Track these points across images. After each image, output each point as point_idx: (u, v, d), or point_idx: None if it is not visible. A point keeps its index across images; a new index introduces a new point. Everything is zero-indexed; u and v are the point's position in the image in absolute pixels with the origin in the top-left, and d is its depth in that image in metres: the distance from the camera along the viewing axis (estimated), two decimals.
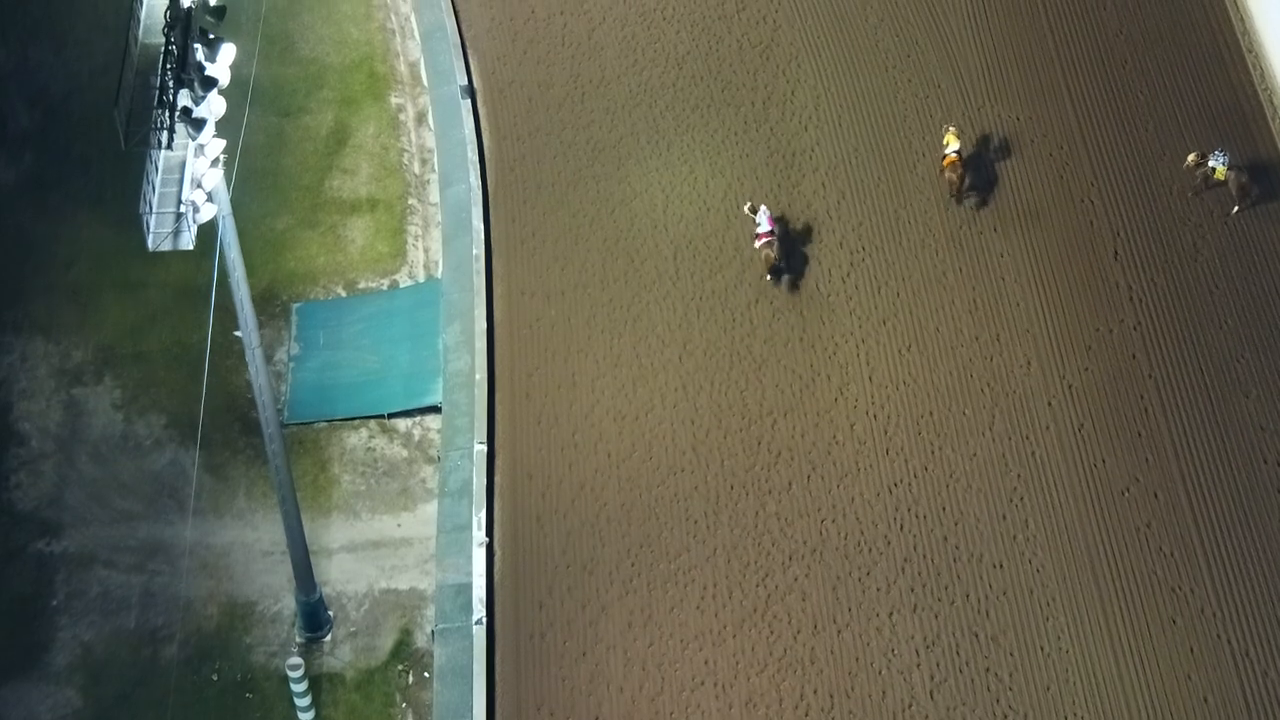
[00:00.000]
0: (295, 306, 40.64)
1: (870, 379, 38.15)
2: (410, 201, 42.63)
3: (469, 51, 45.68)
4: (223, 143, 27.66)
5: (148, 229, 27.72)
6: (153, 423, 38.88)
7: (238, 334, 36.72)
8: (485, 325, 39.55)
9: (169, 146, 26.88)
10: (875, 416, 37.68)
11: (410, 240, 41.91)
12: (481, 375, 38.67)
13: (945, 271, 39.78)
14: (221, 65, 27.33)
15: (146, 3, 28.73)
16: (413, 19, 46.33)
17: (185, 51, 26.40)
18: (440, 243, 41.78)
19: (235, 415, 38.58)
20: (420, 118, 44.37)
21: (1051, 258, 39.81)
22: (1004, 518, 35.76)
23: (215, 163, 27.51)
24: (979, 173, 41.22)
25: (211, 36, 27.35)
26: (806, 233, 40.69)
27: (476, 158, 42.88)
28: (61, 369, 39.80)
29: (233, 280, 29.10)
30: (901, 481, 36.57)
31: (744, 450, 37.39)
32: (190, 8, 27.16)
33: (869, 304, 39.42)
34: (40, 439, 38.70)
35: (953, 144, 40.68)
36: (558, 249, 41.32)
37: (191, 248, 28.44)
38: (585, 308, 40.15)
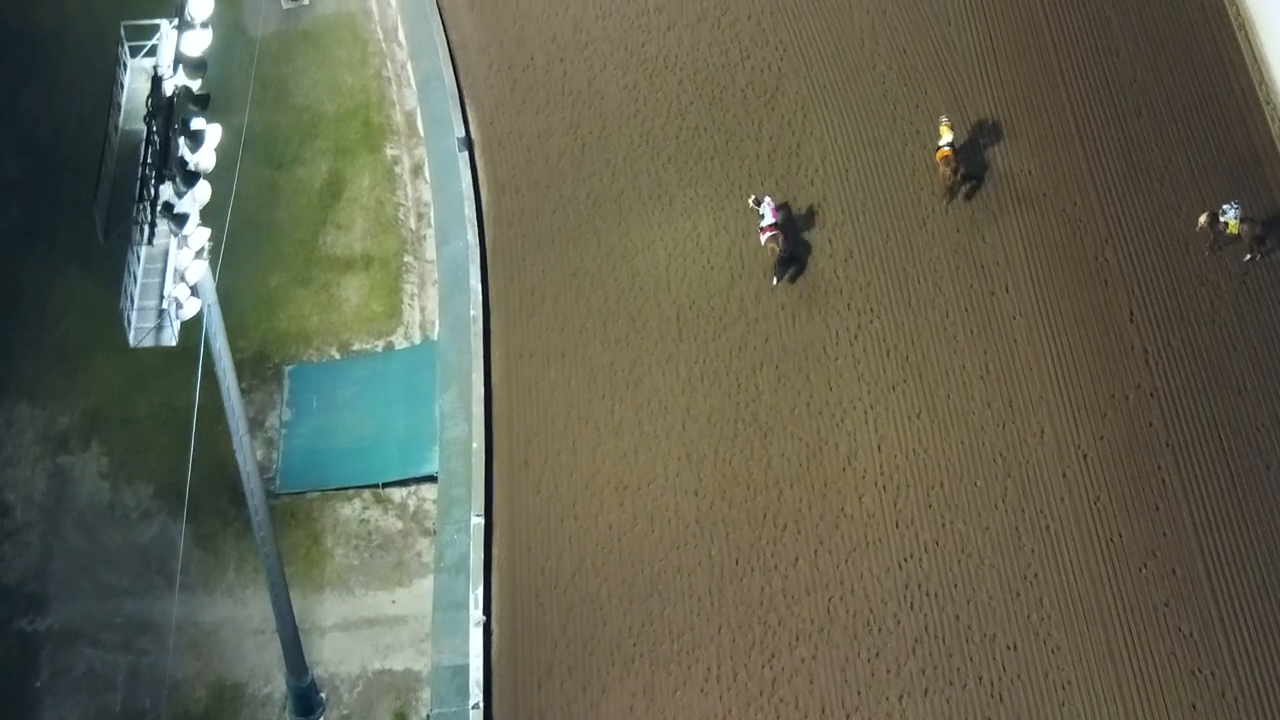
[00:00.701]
0: (287, 369, 39.63)
1: (879, 448, 37.00)
2: (406, 258, 41.57)
3: (466, 100, 44.59)
4: (207, 232, 26.57)
5: (129, 324, 26.64)
6: (140, 492, 37.89)
7: None
8: (483, 390, 38.37)
9: (150, 242, 25.74)
10: (884, 488, 36.54)
11: (406, 299, 40.84)
12: (479, 443, 37.62)
13: (956, 333, 38.61)
14: (206, 150, 26.19)
15: (128, 87, 27.53)
16: (409, 66, 45.27)
17: (167, 143, 25.22)
18: (437, 301, 40.71)
19: (225, 484, 37.50)
20: (416, 169, 43.26)
21: (1065, 318, 38.61)
22: (1018, 595, 34.63)
23: (200, 253, 26.34)
24: (990, 223, 39.94)
25: (195, 120, 26.14)
26: (813, 292, 39.47)
27: (474, 213, 41.81)
28: (47, 434, 38.78)
29: (219, 370, 27.93)
30: (912, 556, 35.44)
31: (749, 523, 36.29)
32: (172, 97, 25.95)
33: (878, 368, 38.26)
34: (25, 508, 37.73)
35: (946, 135, 39.89)
36: (557, 308, 40.21)
37: (174, 344, 27.29)
38: (586, 370, 39.06)
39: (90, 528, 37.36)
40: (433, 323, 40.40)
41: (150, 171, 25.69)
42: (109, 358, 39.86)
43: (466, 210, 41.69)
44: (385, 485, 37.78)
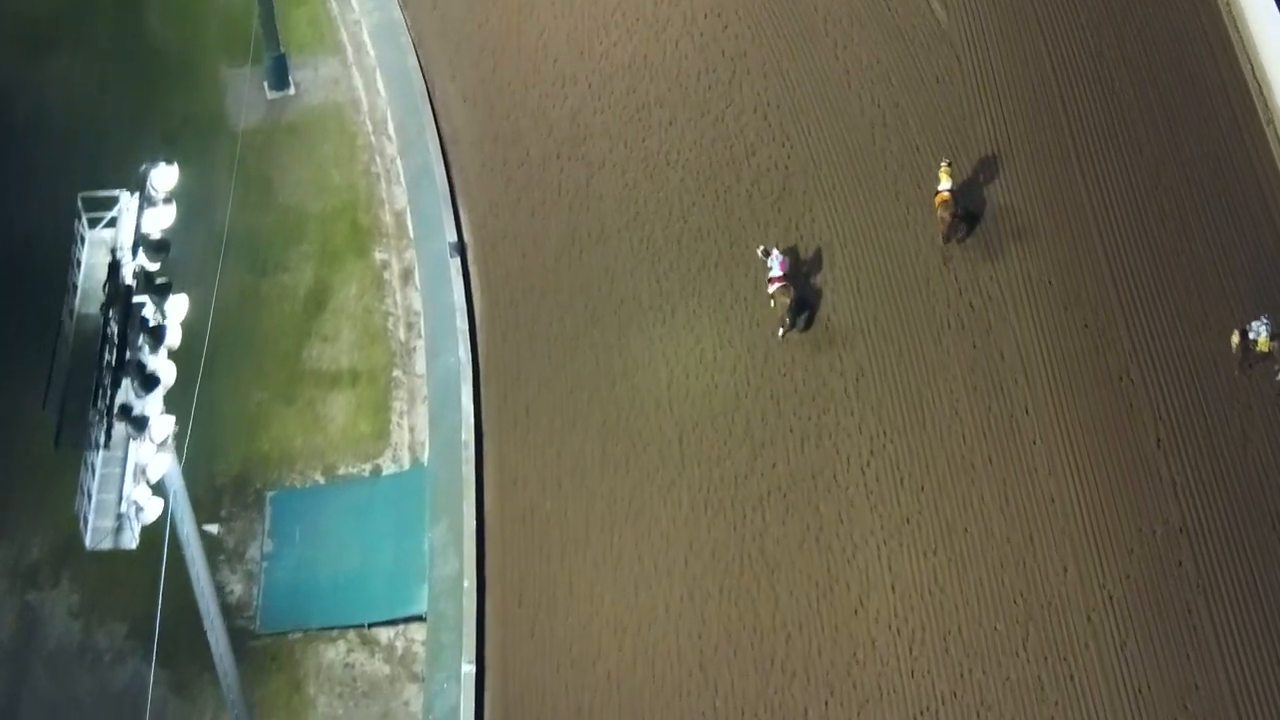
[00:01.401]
0: (269, 495, 37.86)
1: (893, 588, 35.09)
2: (395, 373, 39.74)
3: (459, 199, 42.79)
4: (170, 422, 24.56)
5: (85, 524, 24.65)
6: (113, 632, 36.11)
7: (208, 528, 33.93)
8: (474, 523, 36.46)
9: (106, 446, 23.81)
10: (899, 631, 34.61)
11: (395, 418, 38.97)
12: (470, 582, 35.77)
13: (973, 460, 36.67)
14: (172, 322, 24.26)
15: (85, 264, 25.60)
16: (399, 162, 43.35)
17: (124, 340, 23.28)
18: (426, 420, 38.76)
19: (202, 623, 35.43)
20: (406, 275, 41.40)
21: (1088, 443, 36.67)
22: None
23: (164, 444, 24.40)
24: (1008, 338, 38.06)
25: (159, 282, 24.15)
26: (822, 414, 37.54)
27: (466, 325, 39.95)
28: (15, 569, 37.02)
29: (186, 556, 25.98)
30: (928, 709, 33.57)
31: (755, 670, 34.39)
32: (130, 286, 24.00)
33: (891, 498, 36.32)
34: None
35: (945, 181, 38.74)
36: (553, 430, 38.32)
37: (135, 546, 25.33)
38: (583, 499, 37.20)
39: (61, 671, 35.48)
40: (422, 444, 38.56)
41: (105, 374, 23.74)
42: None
43: (458, 322, 39.84)
44: (372, 625, 35.81)
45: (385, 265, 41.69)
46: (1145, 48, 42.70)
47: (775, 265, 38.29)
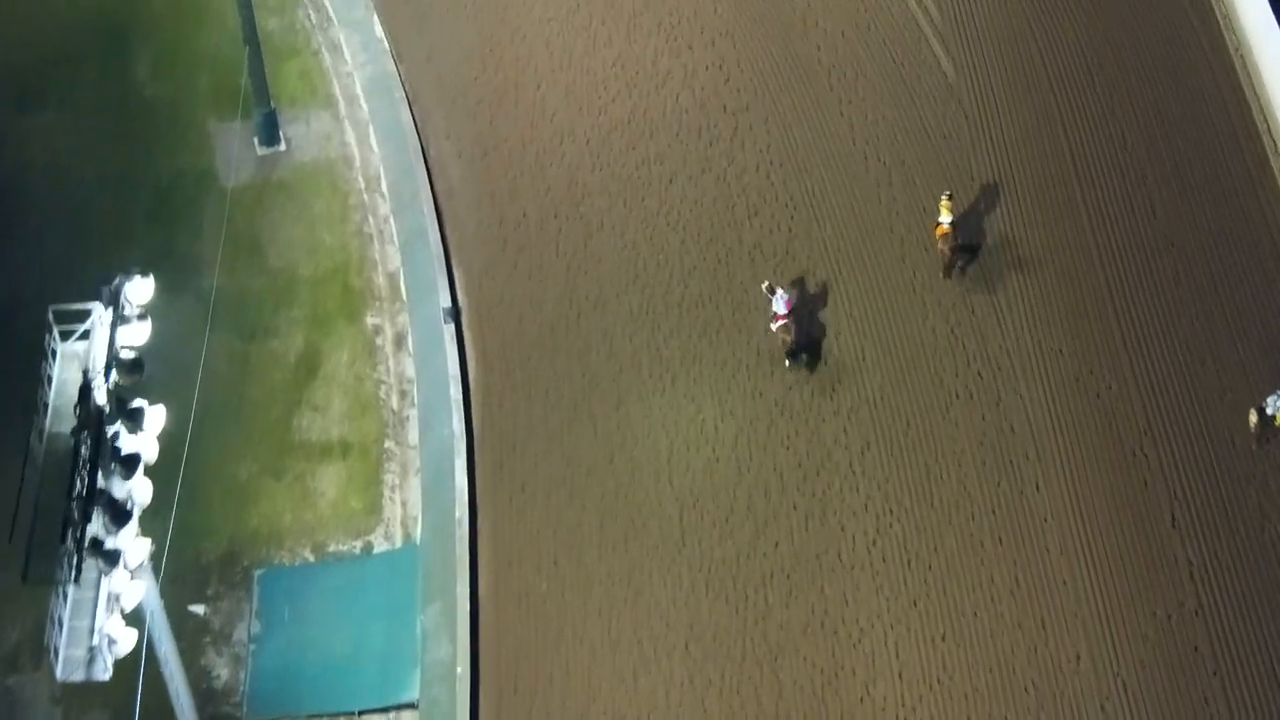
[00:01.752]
0: (257, 574, 36.83)
1: (900, 675, 34.07)
2: (387, 444, 38.67)
3: (454, 260, 41.74)
4: (146, 544, 23.54)
5: (55, 655, 23.56)
6: None
7: (193, 608, 32.94)
8: (468, 605, 35.38)
9: (76, 581, 22.72)
10: None
11: (387, 492, 37.92)
12: (464, 667, 34.69)
13: (983, 539, 35.66)
14: (148, 438, 23.18)
15: (56, 379, 24.51)
16: (392, 222, 42.26)
17: (95, 469, 22.23)
18: (419, 494, 37.70)
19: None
20: (399, 340, 40.34)
21: (1101, 522, 35.67)
22: None
23: (138, 570, 23.33)
24: (1018, 411, 37.05)
25: (133, 406, 23.17)
26: (826, 490, 36.50)
27: (460, 395, 38.83)
28: None
29: (165, 674, 24.92)
30: None
31: None
32: (101, 408, 22.96)
33: (898, 580, 35.30)
34: None
35: (945, 214, 38.29)
36: (550, 505, 37.28)
37: (108, 678, 24.23)
38: (580, 579, 36.19)
39: None
40: (415, 519, 37.50)
41: (75, 507, 22.67)
42: None
43: (452, 392, 38.80)
44: (362, 713, 34.76)
45: (378, 330, 40.64)
46: (1159, 108, 41.85)
47: (780, 304, 37.70)
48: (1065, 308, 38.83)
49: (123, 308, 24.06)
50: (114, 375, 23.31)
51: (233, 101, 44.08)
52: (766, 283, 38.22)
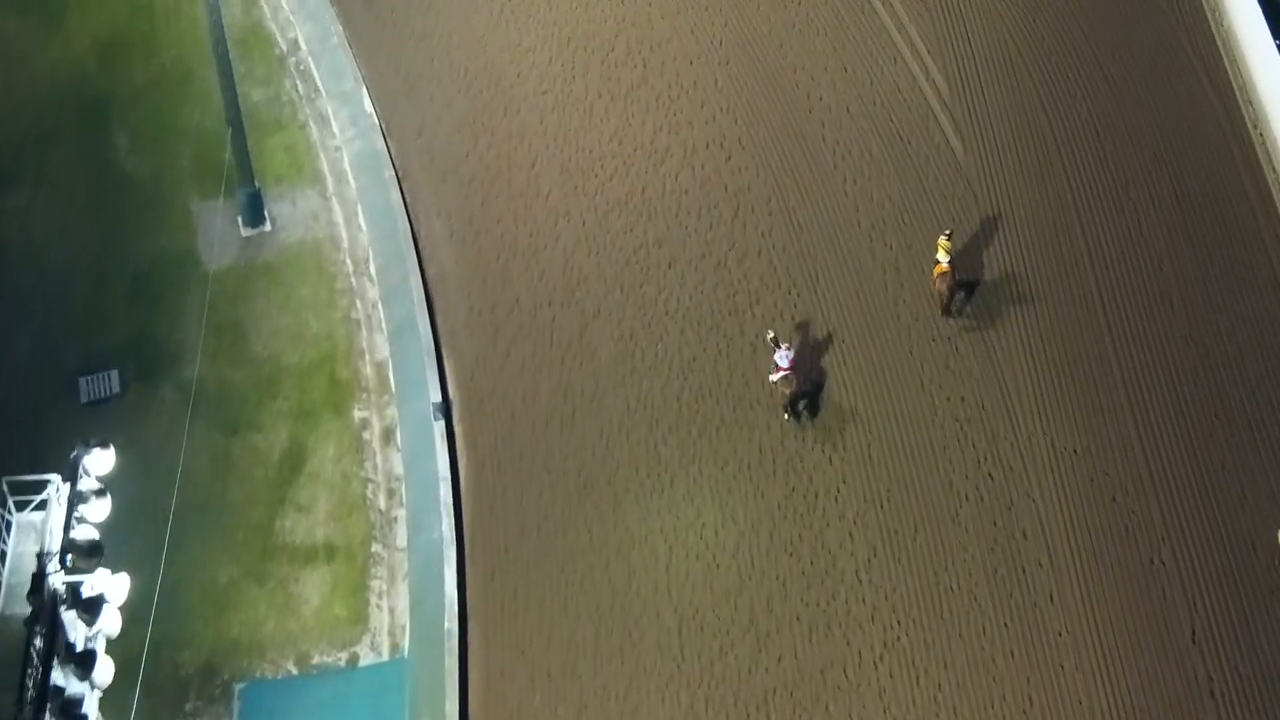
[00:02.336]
0: (238, 688, 35.58)
1: None
2: (374, 548, 37.35)
3: (444, 350, 40.45)
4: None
5: None
6: None
7: None
8: None
9: None
10: None
11: (374, 599, 36.60)
12: None
13: (994, 655, 34.42)
14: (110, 613, 21.85)
15: (11, 554, 23.17)
16: (380, 308, 40.92)
17: (49, 666, 20.90)
18: (407, 600, 36.41)
19: None
20: (387, 435, 39.00)
21: (1118, 637, 34.45)
22: None
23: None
24: (1030, 515, 35.80)
25: (89, 596, 21.73)
26: (832, 600, 35.21)
27: (450, 497, 37.51)
28: None
29: None
30: None
31: None
32: (56, 597, 21.58)
33: (906, 698, 34.10)
34: None
35: (943, 255, 38.03)
36: (543, 615, 36.01)
37: None
38: (575, 695, 34.99)
39: None
40: (403, 628, 36.22)
41: (27, 704, 21.38)
42: None
43: (442, 494, 37.53)
44: None
45: (365, 424, 39.30)
46: (1177, 190, 40.83)
47: (783, 359, 37.23)
48: (1079, 404, 37.60)
49: (81, 480, 22.72)
50: (69, 560, 21.96)
51: (216, 178, 42.79)
52: (771, 334, 37.71)
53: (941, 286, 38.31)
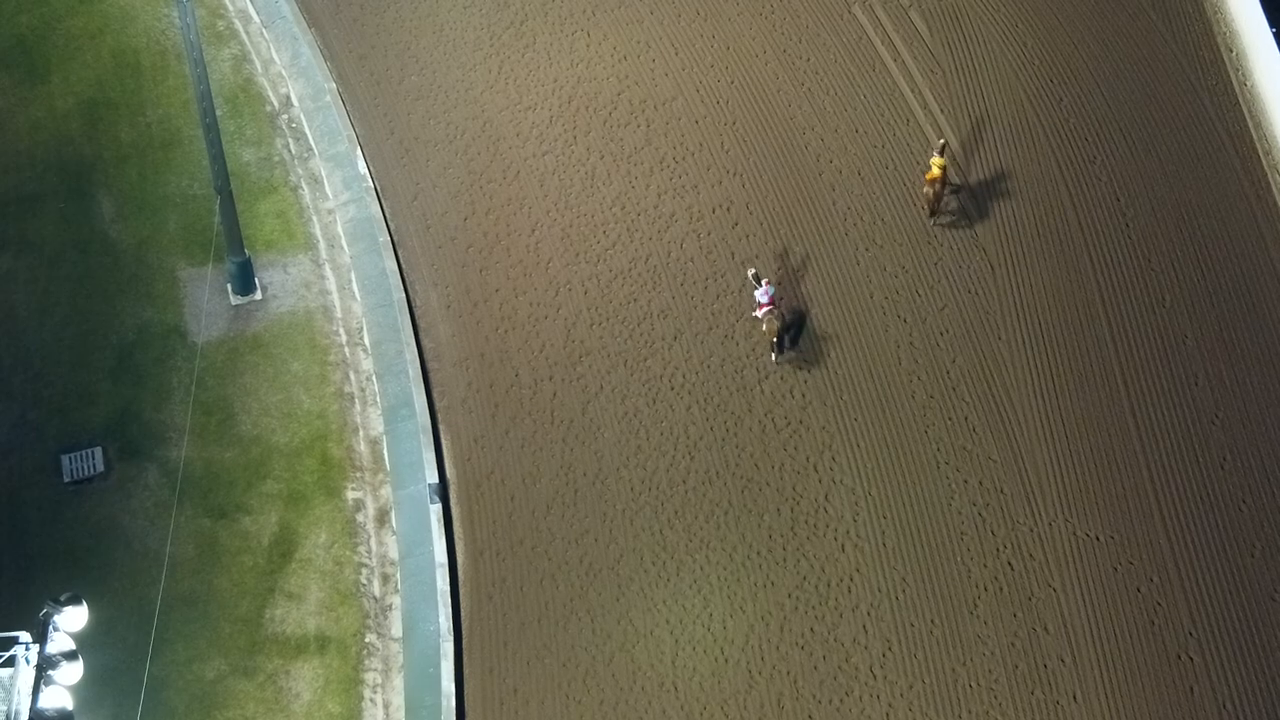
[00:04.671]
0: None
1: None
2: (369, 639, 36.40)
3: (441, 429, 39.52)
4: None
5: None
6: None
7: None
8: None
9: None
10: None
11: (368, 693, 35.69)
12: None
13: None
14: None
15: None
16: (375, 382, 39.96)
17: None
18: (403, 695, 35.47)
19: None
20: (382, 517, 38.09)
21: None
22: None
23: None
24: (1052, 607, 34.95)
25: None
26: (845, 697, 34.29)
27: (447, 586, 36.59)
28: None
29: None
30: None
31: None
32: None
33: None
34: None
35: (936, 165, 40.15)
36: (544, 714, 35.36)
37: None
38: None
39: None
40: None
41: None
42: None
43: (439, 583, 36.60)
44: None
45: (359, 506, 38.38)
46: (1201, 261, 40.14)
47: (762, 295, 38.50)
48: (1101, 489, 36.83)
49: (51, 642, 21.68)
50: None
51: (204, 245, 41.93)
52: (752, 270, 39.01)
53: (928, 191, 40.16)
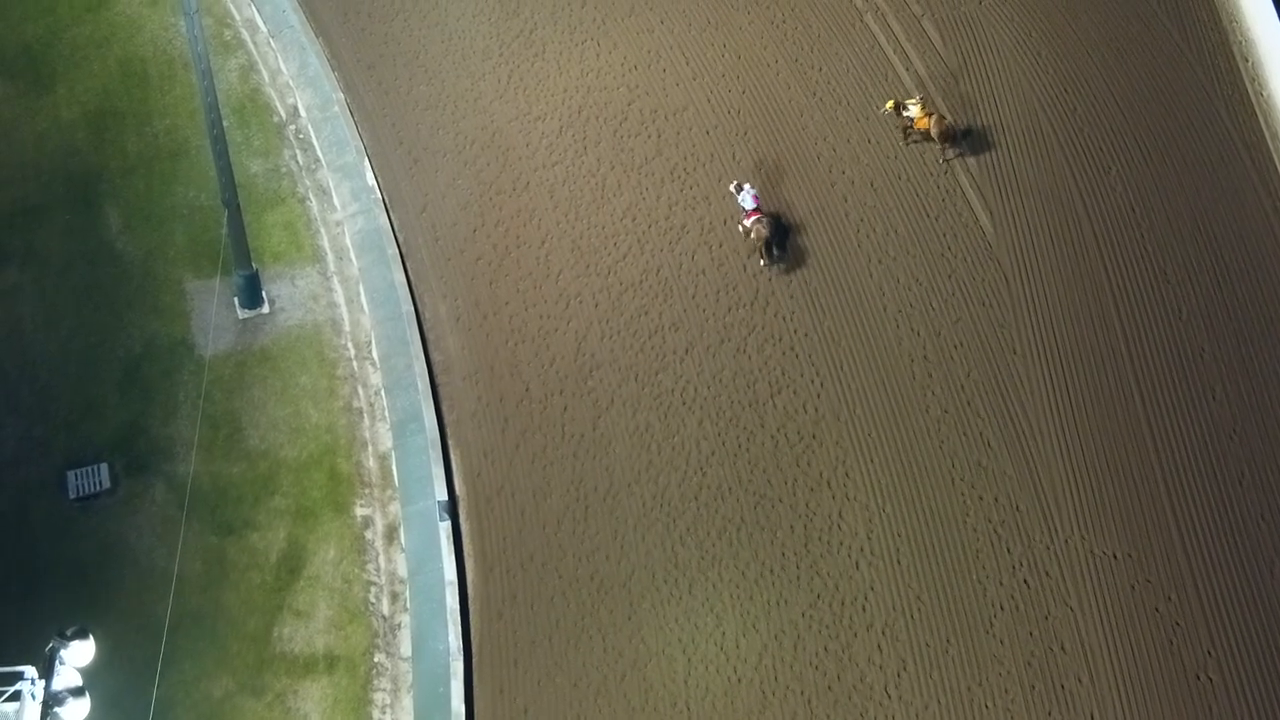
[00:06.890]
0: None
1: None
2: (377, 658, 35.92)
3: (450, 444, 39.06)
4: None
5: None
6: None
7: None
8: None
9: None
10: None
11: (376, 714, 35.33)
12: None
13: None
14: None
15: None
16: (383, 396, 39.45)
17: None
18: (412, 715, 34.97)
19: None
20: (391, 533, 37.60)
21: None
22: None
23: None
24: (1069, 626, 34.41)
25: None
26: (860, 717, 33.84)
27: (457, 604, 36.09)
28: None
29: None
30: None
31: None
32: None
33: None
34: None
35: (915, 108, 41.71)
36: None
37: None
38: None
39: None
40: None
41: None
42: None
43: (449, 600, 36.09)
44: None
45: (367, 522, 37.89)
46: (1217, 272, 39.55)
47: (748, 200, 39.72)
48: (1118, 506, 36.31)
49: (57, 676, 21.21)
50: None
51: (212, 257, 41.45)
52: (735, 183, 40.36)
53: (902, 120, 41.58)
